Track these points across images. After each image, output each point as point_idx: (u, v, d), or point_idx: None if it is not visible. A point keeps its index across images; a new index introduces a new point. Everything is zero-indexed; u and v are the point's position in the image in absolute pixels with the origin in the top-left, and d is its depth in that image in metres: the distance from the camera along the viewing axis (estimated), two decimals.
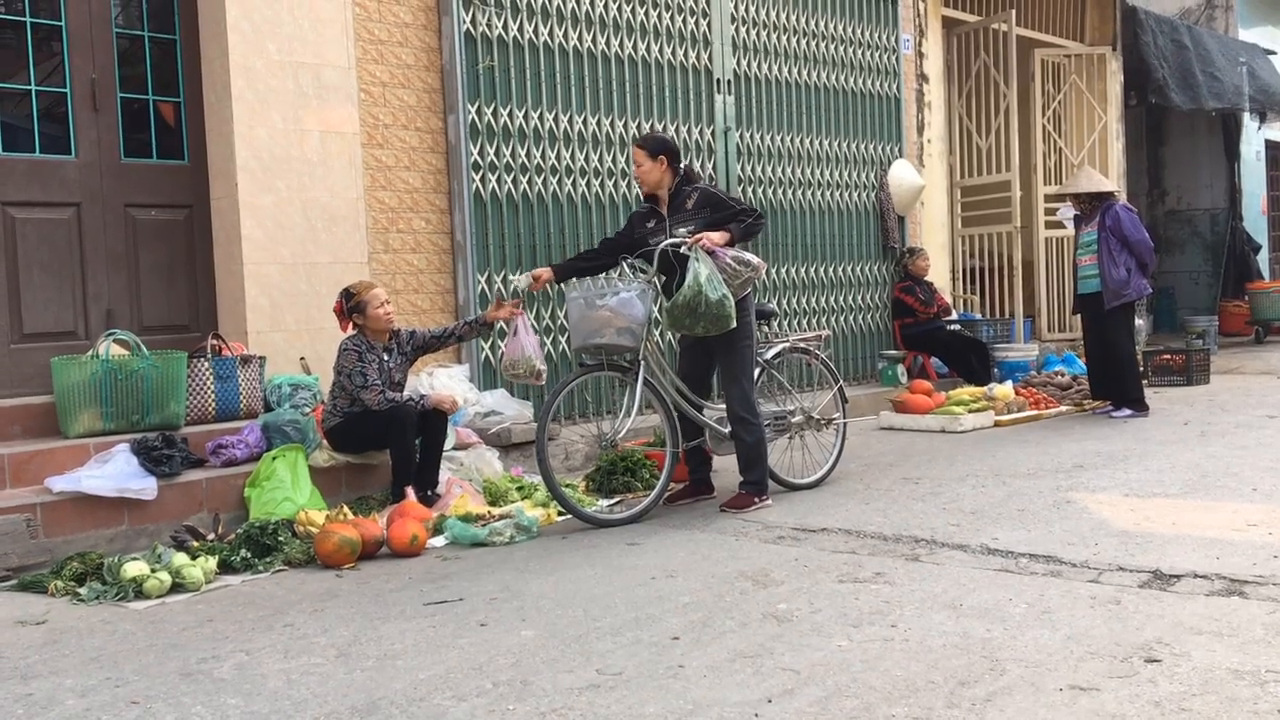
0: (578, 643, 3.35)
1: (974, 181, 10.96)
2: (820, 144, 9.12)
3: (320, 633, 3.57)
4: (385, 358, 5.48)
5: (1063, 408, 8.52)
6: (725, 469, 5.83)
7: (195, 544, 4.63)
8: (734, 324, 5.14)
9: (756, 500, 5.31)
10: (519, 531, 4.88)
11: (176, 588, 4.16)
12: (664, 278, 5.37)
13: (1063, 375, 9.25)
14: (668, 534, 4.88)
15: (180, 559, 4.30)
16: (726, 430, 5.49)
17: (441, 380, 6.47)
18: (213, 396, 5.66)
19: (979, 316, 10.63)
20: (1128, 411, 8.02)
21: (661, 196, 5.44)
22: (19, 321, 5.69)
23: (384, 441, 5.38)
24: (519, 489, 5.66)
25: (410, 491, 5.23)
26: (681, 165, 5.49)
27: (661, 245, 5.27)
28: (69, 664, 3.35)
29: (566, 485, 5.57)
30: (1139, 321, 9.70)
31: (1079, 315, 8.61)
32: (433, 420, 5.45)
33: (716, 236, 5.17)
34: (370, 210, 6.50)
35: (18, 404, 5.45)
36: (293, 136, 6.13)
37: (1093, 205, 8.23)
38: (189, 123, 6.19)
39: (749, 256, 5.26)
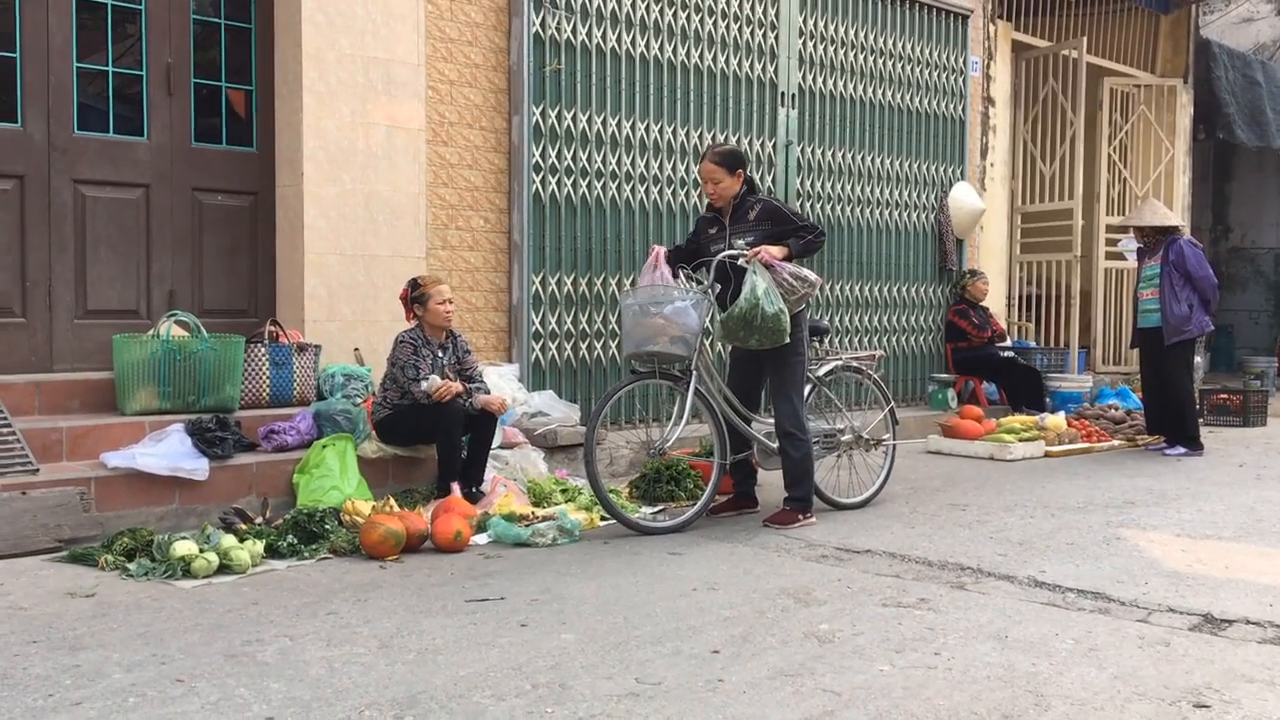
0: (617, 650, 3.34)
1: (1035, 208, 10.84)
2: (881, 162, 9.06)
3: (363, 623, 3.60)
4: (440, 354, 5.53)
5: (1115, 442, 8.40)
6: (770, 484, 5.81)
7: (243, 526, 4.69)
8: (788, 339, 5.12)
9: (800, 517, 5.28)
10: (561, 534, 4.88)
11: (223, 569, 4.21)
12: (719, 287, 5.37)
13: (1116, 409, 9.11)
14: (710, 546, 4.87)
15: (228, 541, 4.35)
16: (774, 445, 5.47)
17: (491, 379, 6.49)
18: (267, 382, 5.73)
19: (1033, 344, 10.50)
20: (1182, 450, 7.90)
21: (725, 206, 5.43)
22: (84, 298, 5.79)
23: (431, 436, 5.41)
24: (563, 491, 5.67)
25: (456, 487, 5.26)
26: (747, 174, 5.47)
27: (719, 257, 5.27)
28: (116, 638, 3.40)
29: (610, 491, 5.57)
30: (1196, 359, 9.53)
31: (1137, 349, 8.48)
32: (482, 418, 5.48)
33: (775, 250, 5.16)
34: (431, 206, 6.55)
35: (78, 379, 5.54)
36: (359, 129, 6.20)
37: (1156, 239, 8.11)
38: (259, 111, 6.28)
39: (806, 272, 5.25)
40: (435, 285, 5.52)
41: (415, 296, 5.53)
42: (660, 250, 5.41)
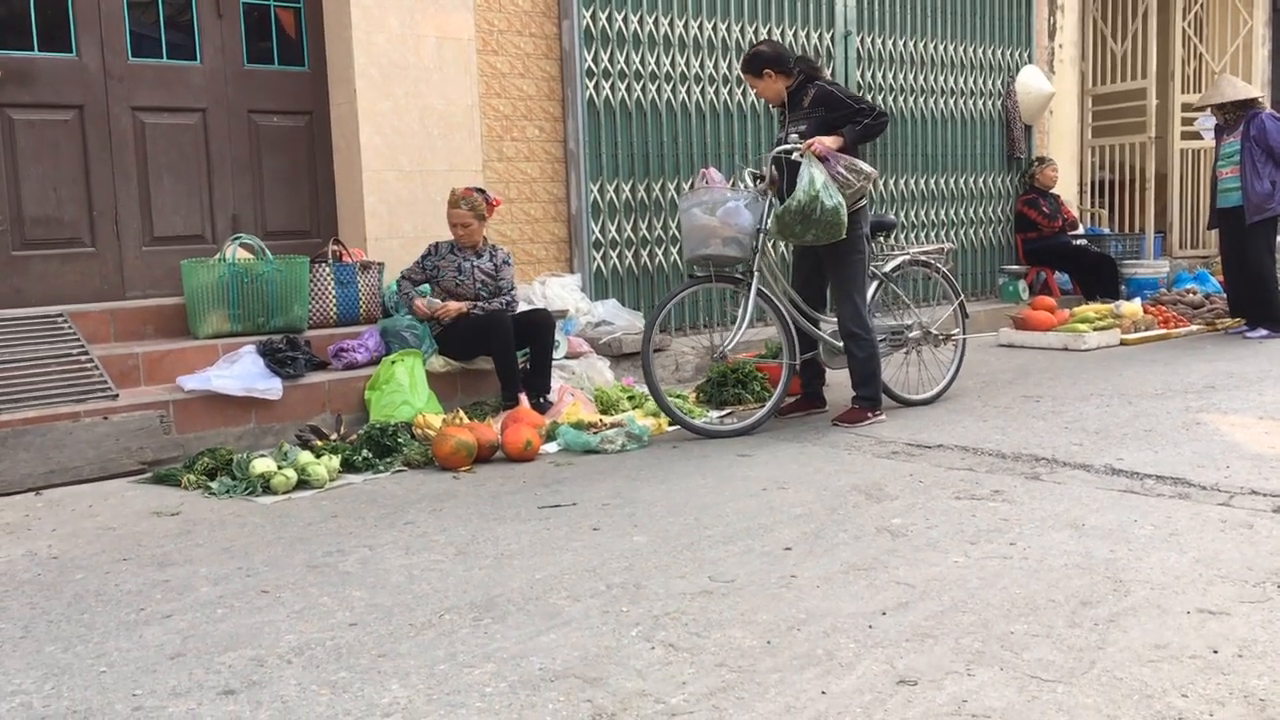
0: (689, 550, 3.36)
1: (1107, 89, 10.46)
2: (945, 49, 8.77)
3: (439, 531, 3.66)
4: (475, 260, 5.60)
5: (1194, 327, 8.20)
6: (838, 383, 5.76)
7: (319, 443, 4.77)
8: (845, 234, 5.02)
9: (869, 415, 5.24)
10: (630, 440, 4.90)
11: (302, 484, 4.31)
12: (777, 183, 5.27)
13: (1194, 293, 8.87)
14: (779, 446, 4.86)
15: (305, 457, 4.44)
16: (840, 344, 5.41)
17: (554, 289, 6.50)
18: (334, 301, 5.78)
19: (1107, 231, 10.23)
20: (1263, 332, 7.68)
21: (784, 99, 5.32)
22: (150, 225, 5.87)
23: (486, 348, 5.45)
24: (630, 398, 5.69)
25: (524, 398, 5.30)
26: (794, 64, 5.32)
27: (773, 153, 5.17)
28: (202, 553, 3.50)
29: (677, 396, 5.58)
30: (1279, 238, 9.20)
31: (1216, 231, 8.21)
32: (538, 329, 5.48)
33: (829, 141, 5.03)
34: (485, 118, 6.49)
35: (149, 305, 5.64)
36: (409, 42, 6.14)
37: (1236, 114, 7.79)
38: (309, 29, 6.24)
39: (861, 164, 5.10)
40: (452, 208, 5.58)
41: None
42: (708, 170, 5.41)
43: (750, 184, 5.33)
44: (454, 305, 5.50)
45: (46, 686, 2.50)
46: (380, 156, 6.09)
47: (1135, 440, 4.65)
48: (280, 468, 4.32)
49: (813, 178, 4.92)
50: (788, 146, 5.10)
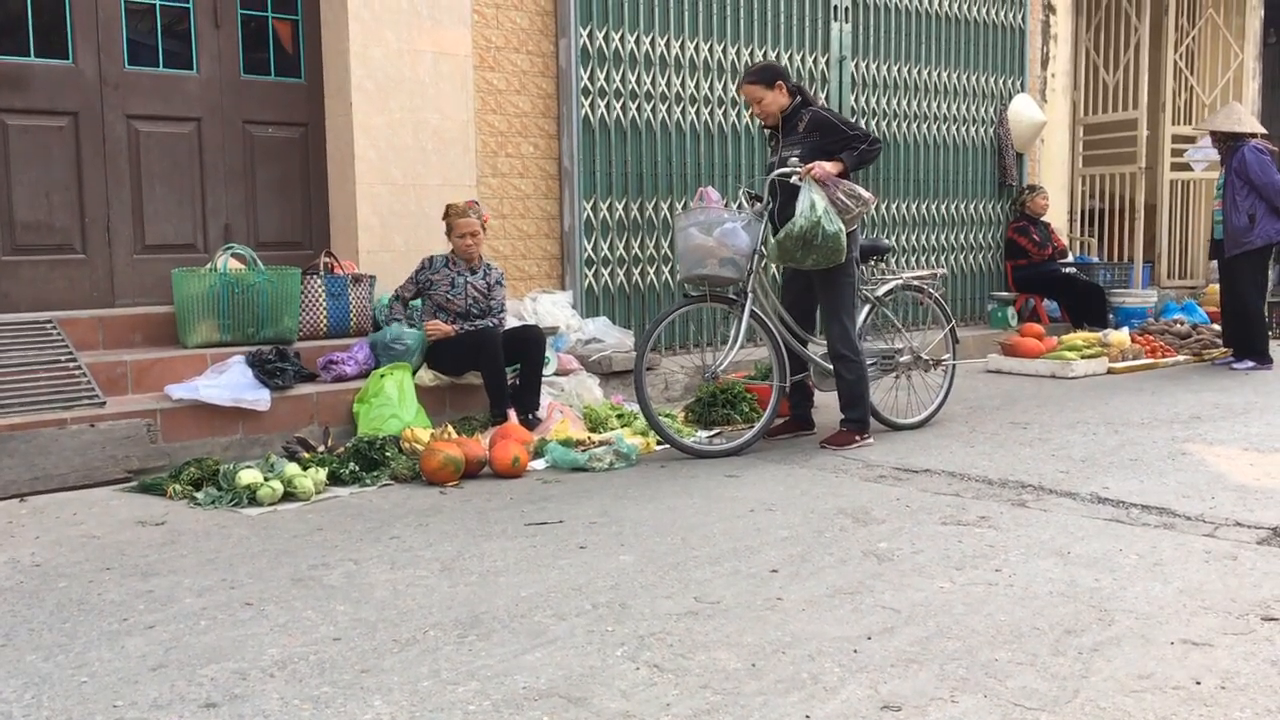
0: (675, 570, 3.36)
1: (1098, 119, 10.54)
2: (939, 76, 8.83)
3: (425, 546, 3.65)
4: (469, 275, 5.61)
5: (1180, 357, 8.23)
6: (826, 406, 5.77)
7: (306, 455, 4.76)
8: (844, 258, 5.05)
9: (857, 438, 5.25)
10: (618, 458, 4.90)
11: (288, 496, 4.29)
12: (772, 205, 5.29)
13: (1182, 323, 8.91)
14: (766, 468, 4.86)
15: (292, 469, 4.43)
16: (830, 366, 5.42)
17: (545, 306, 6.50)
18: (324, 313, 5.77)
19: (1096, 260, 10.28)
20: (1249, 363, 7.72)
21: (777, 122, 5.33)
22: (141, 233, 5.86)
23: (476, 364, 5.45)
24: (619, 417, 5.69)
25: (512, 414, 5.30)
26: (794, 86, 5.36)
27: (771, 176, 5.19)
28: (186, 564, 3.49)
29: (665, 415, 5.58)
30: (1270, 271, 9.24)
31: (1215, 261, 8.25)
32: (529, 346, 5.48)
33: (830, 166, 5.06)
34: (480, 133, 6.51)
35: (139, 313, 5.63)
36: (406, 57, 6.15)
37: (1225, 145, 7.84)
38: (306, 41, 6.25)
39: (860, 190, 5.13)
40: (460, 217, 5.57)
41: (447, 224, 5.61)
42: (706, 189, 5.48)
43: (747, 205, 5.34)
44: (444, 328, 5.51)
45: (27, 696, 2.48)
46: (374, 169, 6.10)
47: (1121, 469, 4.66)
48: (266, 479, 4.31)
49: (814, 203, 4.94)
50: (787, 170, 5.12)
